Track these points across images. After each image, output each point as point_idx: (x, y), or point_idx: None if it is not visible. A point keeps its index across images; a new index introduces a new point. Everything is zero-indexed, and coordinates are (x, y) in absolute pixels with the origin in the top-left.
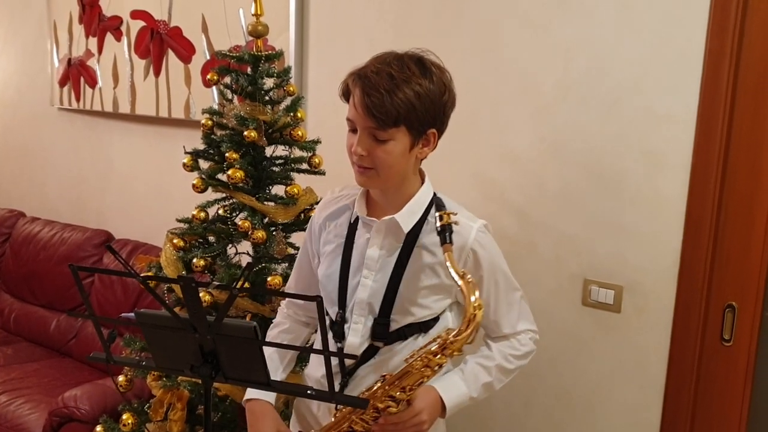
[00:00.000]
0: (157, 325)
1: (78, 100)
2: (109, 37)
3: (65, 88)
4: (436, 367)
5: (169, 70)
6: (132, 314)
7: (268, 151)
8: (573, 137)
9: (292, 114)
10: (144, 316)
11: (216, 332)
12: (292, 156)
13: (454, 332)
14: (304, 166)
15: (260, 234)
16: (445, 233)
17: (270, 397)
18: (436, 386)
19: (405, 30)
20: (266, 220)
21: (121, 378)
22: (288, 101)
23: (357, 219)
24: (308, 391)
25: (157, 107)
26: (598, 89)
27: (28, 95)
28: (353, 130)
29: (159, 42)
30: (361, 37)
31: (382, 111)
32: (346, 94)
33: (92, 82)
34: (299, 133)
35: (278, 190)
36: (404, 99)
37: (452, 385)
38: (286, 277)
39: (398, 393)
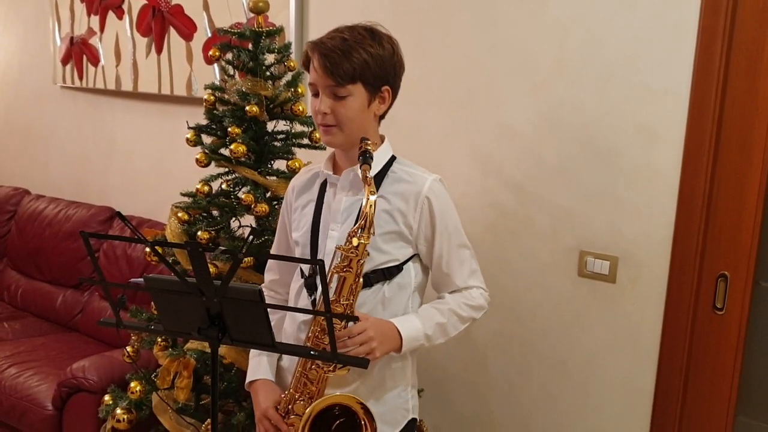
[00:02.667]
0: (165, 289)
1: (80, 78)
2: (111, 15)
3: (68, 67)
4: (356, 262)
5: (170, 47)
6: (141, 279)
7: (270, 126)
8: (569, 112)
9: (292, 89)
10: (153, 280)
11: (222, 295)
12: (293, 131)
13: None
14: (305, 141)
15: (263, 207)
16: (365, 155)
17: (270, 375)
18: (392, 320)
19: (403, 7)
20: (268, 194)
21: (128, 348)
22: (288, 76)
23: (326, 181)
24: (311, 352)
25: (159, 85)
26: (594, 65)
27: (30, 74)
28: (315, 94)
29: (161, 20)
30: (359, 13)
31: (339, 69)
32: (306, 64)
33: (94, 60)
34: (300, 108)
35: (280, 164)
36: (358, 57)
37: (407, 321)
38: None
39: (338, 308)
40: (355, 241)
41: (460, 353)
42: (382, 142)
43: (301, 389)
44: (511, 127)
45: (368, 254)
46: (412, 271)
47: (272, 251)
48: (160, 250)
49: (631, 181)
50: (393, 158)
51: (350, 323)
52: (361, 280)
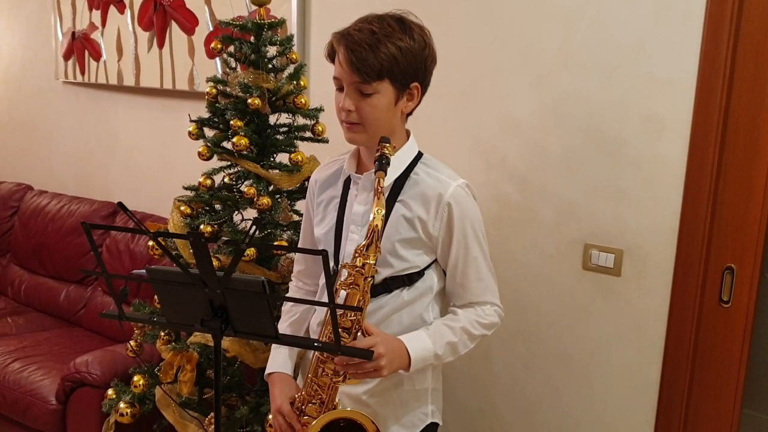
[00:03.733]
0: (168, 280)
1: (83, 73)
2: (113, 10)
3: (69, 62)
4: (364, 278)
5: (172, 42)
6: (143, 270)
7: (272, 119)
8: (573, 104)
9: (294, 82)
10: (155, 272)
11: (225, 286)
12: (295, 124)
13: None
14: (308, 134)
15: (265, 200)
16: (381, 161)
17: (288, 369)
18: (402, 338)
19: None
20: (271, 187)
21: (131, 343)
22: (291, 69)
23: (349, 177)
24: (315, 344)
25: (161, 79)
26: (599, 55)
27: (32, 69)
28: (340, 89)
29: (162, 14)
30: (363, 5)
31: (366, 65)
32: (331, 55)
33: (96, 55)
34: (302, 100)
35: (282, 158)
36: (387, 53)
37: (418, 339)
38: (291, 243)
39: (346, 322)
40: (359, 261)
41: None
42: (408, 137)
43: (312, 394)
44: (514, 119)
45: (376, 271)
46: (434, 276)
47: (300, 242)
48: (163, 242)
49: (636, 172)
50: (419, 156)
51: (360, 336)
52: (369, 295)
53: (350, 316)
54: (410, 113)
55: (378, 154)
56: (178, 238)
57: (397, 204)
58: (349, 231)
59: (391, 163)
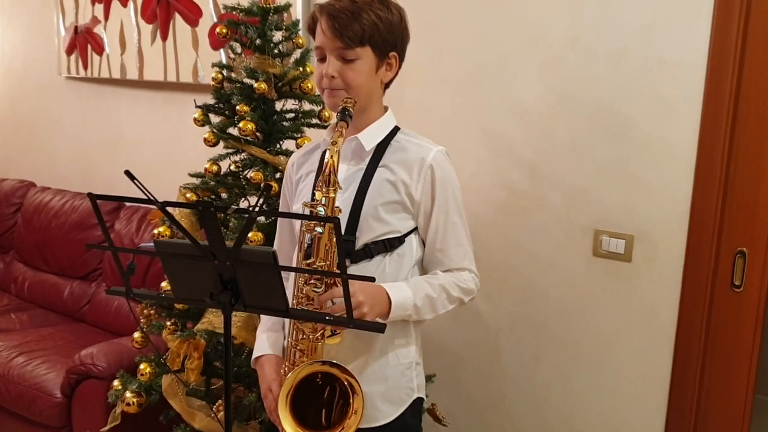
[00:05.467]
0: (177, 253)
1: (85, 68)
2: (116, 3)
3: (72, 57)
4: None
5: (176, 34)
6: (151, 244)
7: (278, 105)
8: (581, 88)
9: (300, 67)
10: (163, 244)
11: (235, 258)
12: (301, 110)
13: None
14: (314, 120)
15: (272, 186)
16: (344, 113)
17: (277, 351)
18: (383, 285)
19: None
20: (278, 174)
21: (136, 334)
22: (297, 54)
23: (325, 151)
24: (326, 317)
25: (165, 72)
26: (606, 38)
27: (34, 65)
28: (321, 59)
29: (165, 6)
30: None
31: (349, 30)
32: (311, 27)
33: (99, 50)
34: (309, 86)
35: (289, 144)
36: (368, 19)
37: (398, 288)
38: None
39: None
40: (318, 195)
41: (472, 336)
42: (385, 111)
43: (295, 361)
44: (521, 105)
45: (340, 210)
46: (414, 243)
47: (278, 230)
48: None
49: (646, 156)
50: (396, 129)
51: (335, 287)
52: (336, 238)
53: (319, 263)
54: (388, 85)
55: (341, 107)
56: (187, 208)
57: (379, 168)
58: None
59: (373, 131)
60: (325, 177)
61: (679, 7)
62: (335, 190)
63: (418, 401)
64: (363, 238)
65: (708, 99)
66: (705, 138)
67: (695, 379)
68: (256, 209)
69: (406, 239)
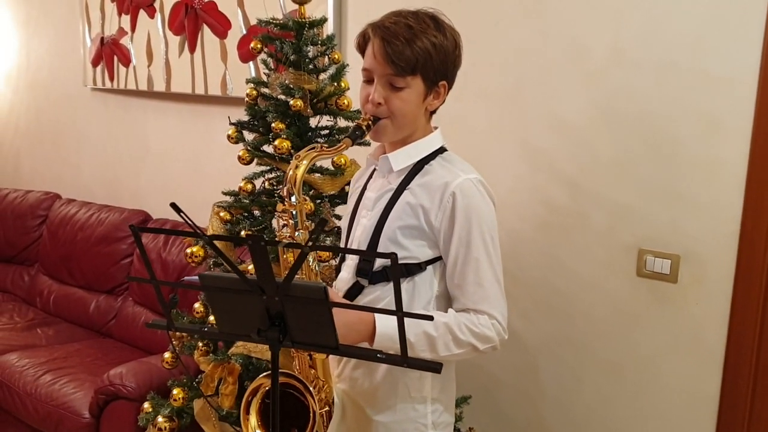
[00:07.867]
0: (223, 287)
1: (111, 79)
2: (143, 14)
3: (98, 68)
4: (292, 229)
5: (204, 46)
6: (195, 277)
7: (313, 122)
8: (626, 102)
9: (336, 83)
10: (209, 278)
11: (284, 293)
12: (337, 126)
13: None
14: None
15: (308, 205)
16: (355, 130)
17: None
18: (376, 314)
19: None
20: (312, 192)
21: (166, 355)
22: (333, 69)
23: (374, 170)
24: (378, 355)
25: (193, 84)
26: (653, 51)
27: (60, 76)
28: (368, 81)
29: (194, 17)
30: (401, 4)
31: (401, 58)
32: (362, 46)
33: (126, 61)
34: (345, 102)
35: (324, 162)
36: (422, 47)
37: (391, 318)
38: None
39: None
40: (279, 207)
41: (510, 358)
42: (431, 132)
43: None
44: (563, 119)
45: (309, 225)
46: (434, 274)
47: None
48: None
49: (694, 174)
50: (440, 150)
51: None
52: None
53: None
54: (434, 111)
55: (356, 123)
56: (234, 242)
57: (405, 191)
58: (360, 216)
59: (408, 152)
60: (289, 188)
61: (729, 20)
62: (297, 204)
63: None
64: (381, 259)
65: (759, 114)
66: (756, 155)
67: (745, 406)
68: (309, 244)
69: (426, 268)
